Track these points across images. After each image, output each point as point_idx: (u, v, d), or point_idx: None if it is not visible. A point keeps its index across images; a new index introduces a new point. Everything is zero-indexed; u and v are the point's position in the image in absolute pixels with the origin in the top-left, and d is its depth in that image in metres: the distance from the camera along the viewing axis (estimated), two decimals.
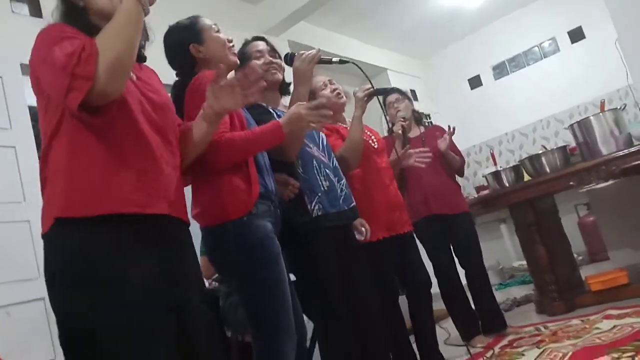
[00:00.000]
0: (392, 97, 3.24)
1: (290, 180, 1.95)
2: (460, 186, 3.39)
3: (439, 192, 3.14)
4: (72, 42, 1.19)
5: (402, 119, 2.98)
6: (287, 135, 1.70)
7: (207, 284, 3.50)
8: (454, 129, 3.24)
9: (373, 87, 2.42)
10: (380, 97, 2.63)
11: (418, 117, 3.43)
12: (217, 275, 2.95)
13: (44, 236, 1.23)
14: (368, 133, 2.68)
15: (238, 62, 1.92)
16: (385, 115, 3.17)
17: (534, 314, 3.58)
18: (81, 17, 1.34)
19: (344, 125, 2.62)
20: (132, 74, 1.36)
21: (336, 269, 2.01)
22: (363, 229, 2.29)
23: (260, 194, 1.69)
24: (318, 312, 2.02)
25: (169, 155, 1.37)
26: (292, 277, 1.92)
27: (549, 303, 3.36)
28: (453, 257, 3.18)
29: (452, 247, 3.20)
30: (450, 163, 3.25)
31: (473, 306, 3.17)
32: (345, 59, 2.16)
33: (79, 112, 1.17)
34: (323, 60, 2.02)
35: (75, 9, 1.36)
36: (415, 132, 3.29)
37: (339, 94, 2.60)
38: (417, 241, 2.87)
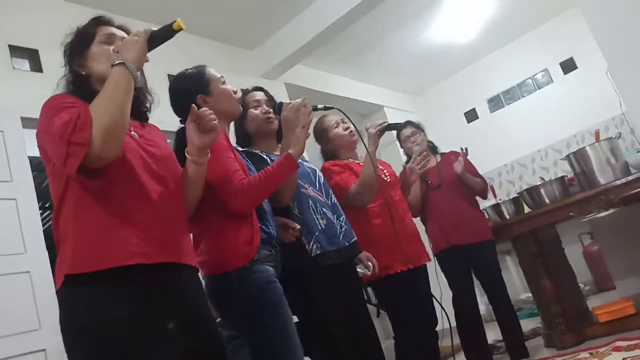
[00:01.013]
0: (407, 131, 3.31)
1: (290, 223, 1.97)
2: (482, 213, 3.38)
3: (457, 222, 3.15)
4: (69, 111, 1.27)
5: (418, 155, 3.02)
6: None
7: None
8: (466, 149, 3.27)
9: (355, 126, 2.51)
10: (394, 131, 2.72)
11: (433, 147, 3.47)
12: (219, 319, 2.92)
13: (57, 293, 1.30)
14: (380, 167, 2.73)
15: (241, 109, 1.99)
16: (401, 147, 3.25)
17: (542, 348, 3.52)
18: (84, 85, 1.44)
19: (357, 162, 2.68)
20: (133, 132, 1.45)
21: (337, 308, 2.00)
22: (369, 263, 2.30)
23: (262, 240, 1.71)
24: (321, 352, 2.00)
25: (172, 204, 1.43)
26: (295, 319, 1.91)
27: (557, 336, 3.31)
28: (473, 289, 3.18)
29: (475, 276, 3.19)
30: (470, 187, 3.25)
31: (501, 336, 3.19)
32: (329, 105, 2.26)
33: (78, 176, 1.25)
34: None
35: (78, 77, 1.46)
36: (432, 162, 3.33)
37: (350, 132, 2.68)
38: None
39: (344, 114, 2.28)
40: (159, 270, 1.31)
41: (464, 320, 3.09)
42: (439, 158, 3.42)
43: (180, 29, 1.39)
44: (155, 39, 1.40)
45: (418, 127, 3.36)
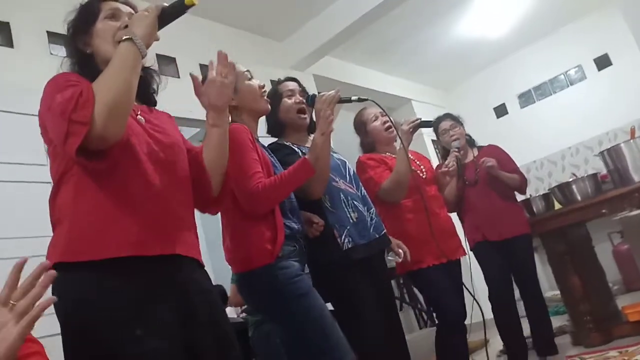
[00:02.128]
0: (445, 124, 3.28)
1: (314, 218, 1.98)
2: (519, 207, 3.35)
3: (493, 219, 3.13)
4: (72, 89, 1.19)
5: (455, 150, 2.99)
6: (316, 165, 1.77)
7: (236, 314, 3.51)
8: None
9: (391, 120, 2.49)
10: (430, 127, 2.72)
11: (470, 141, 3.44)
12: (246, 305, 2.96)
13: None
14: (417, 162, 2.72)
15: (269, 108, 1.99)
16: (438, 142, 3.23)
17: (569, 345, 3.48)
18: (89, 64, 1.36)
19: (393, 156, 2.65)
20: (140, 116, 1.38)
21: (371, 300, 2.01)
22: (400, 250, 2.30)
23: (286, 236, 1.73)
24: (356, 345, 2.01)
25: (177, 194, 1.35)
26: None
27: (585, 334, 3.27)
28: (510, 283, 3.16)
29: (512, 272, 3.18)
30: (506, 183, 3.20)
31: (529, 331, 3.18)
32: (363, 97, 2.22)
33: (78, 157, 1.15)
34: (343, 100, 2.07)
35: (83, 55, 1.38)
36: (469, 156, 3.30)
37: (389, 126, 2.67)
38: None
39: (378, 105, 2.27)
40: (159, 261, 1.23)
41: (503, 316, 3.07)
42: (476, 152, 3.37)
43: (193, 4, 1.30)
44: (167, 15, 1.32)
45: (457, 120, 3.33)
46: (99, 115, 1.14)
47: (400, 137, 2.50)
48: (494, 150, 3.29)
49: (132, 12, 1.42)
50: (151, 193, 1.27)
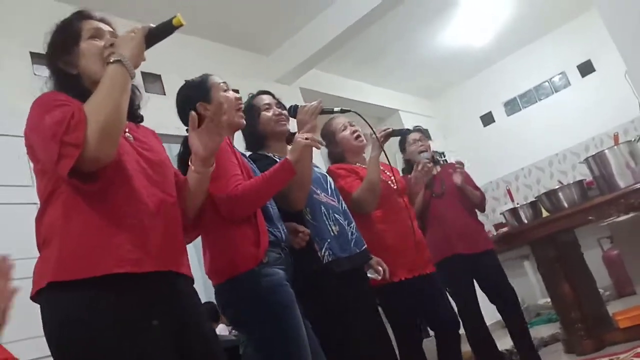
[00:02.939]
0: (415, 135, 3.28)
1: (299, 228, 1.95)
2: (482, 224, 3.36)
3: (461, 231, 3.11)
4: (62, 109, 1.20)
5: (426, 160, 3.00)
6: (296, 166, 1.73)
7: (227, 331, 3.48)
8: (461, 163, 3.25)
9: (374, 130, 2.47)
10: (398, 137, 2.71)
11: (434, 157, 3.45)
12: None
13: (33, 299, 1.22)
14: (388, 173, 2.69)
15: (244, 123, 1.95)
16: (403, 153, 3.23)
17: (562, 353, 3.48)
18: (76, 85, 1.36)
19: (363, 166, 2.62)
20: (129, 134, 1.39)
21: (351, 313, 1.99)
22: (380, 267, 2.28)
23: (270, 242, 1.70)
24: (342, 355, 1.99)
25: (168, 211, 1.36)
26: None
27: (577, 342, 3.27)
28: (477, 298, 3.13)
29: (479, 287, 3.16)
30: (469, 198, 3.24)
31: (512, 344, 3.16)
32: (346, 108, 2.23)
33: (70, 179, 1.17)
34: (325, 111, 2.06)
35: (68, 76, 1.37)
36: (433, 171, 3.30)
37: (358, 136, 2.65)
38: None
39: (361, 116, 2.25)
40: (152, 278, 1.24)
41: (472, 331, 3.04)
42: (439, 168, 3.38)
43: (181, 25, 1.32)
44: (154, 36, 1.33)
45: (425, 133, 3.35)
46: (92, 137, 1.15)
47: (380, 144, 2.48)
48: (454, 167, 3.31)
49: (111, 29, 1.43)
50: (144, 210, 1.28)
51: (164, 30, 1.34)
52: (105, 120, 1.17)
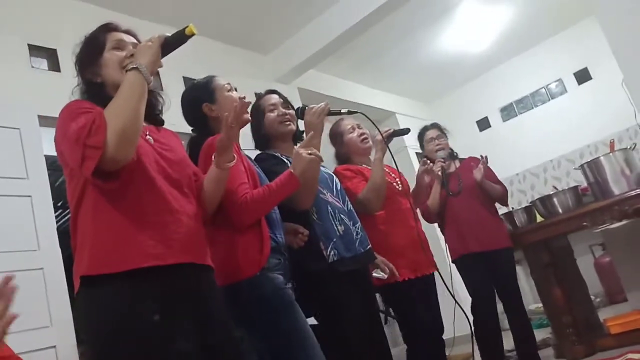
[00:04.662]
0: (432, 132, 3.34)
1: (299, 228, 1.97)
2: (501, 219, 3.37)
3: (475, 229, 3.13)
4: (86, 116, 1.31)
5: (441, 159, 3.00)
6: (301, 180, 1.75)
7: None
8: (486, 157, 3.25)
9: (381, 132, 2.47)
10: (403, 135, 2.75)
11: (452, 154, 3.47)
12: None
13: (76, 296, 1.34)
14: (392, 175, 2.71)
15: (250, 119, 1.96)
16: (422, 151, 3.31)
17: (553, 358, 3.49)
18: (99, 92, 1.47)
19: (369, 167, 2.64)
20: (149, 136, 1.51)
21: (356, 313, 2.00)
22: (385, 267, 2.30)
23: (272, 248, 1.73)
24: (340, 357, 2.00)
25: (188, 206, 1.46)
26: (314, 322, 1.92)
27: (568, 347, 3.29)
28: (493, 296, 3.15)
29: (495, 285, 3.18)
30: (489, 194, 3.24)
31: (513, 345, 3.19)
32: (353, 110, 2.25)
33: (94, 178, 1.28)
34: (332, 112, 2.08)
35: (93, 85, 1.50)
36: (451, 168, 3.32)
37: (365, 138, 2.69)
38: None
39: (368, 118, 2.27)
40: (176, 270, 1.34)
41: (483, 329, 3.05)
42: (457, 164, 3.40)
43: (193, 34, 1.44)
44: (169, 44, 1.44)
45: (443, 131, 3.37)
46: (111, 140, 1.26)
47: (386, 146, 2.50)
48: (476, 162, 3.32)
49: (135, 41, 1.56)
50: (164, 207, 1.39)
51: (178, 39, 1.46)
52: (123, 125, 1.28)
